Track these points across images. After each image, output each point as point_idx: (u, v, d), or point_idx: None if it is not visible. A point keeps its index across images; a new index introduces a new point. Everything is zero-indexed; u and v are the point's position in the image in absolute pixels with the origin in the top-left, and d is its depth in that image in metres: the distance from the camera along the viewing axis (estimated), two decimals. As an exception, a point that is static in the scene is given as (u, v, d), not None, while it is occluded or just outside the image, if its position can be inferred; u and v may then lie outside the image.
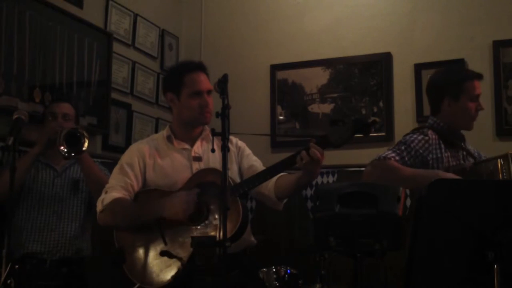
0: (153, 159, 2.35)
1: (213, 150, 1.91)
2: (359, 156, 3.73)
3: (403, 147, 2.38)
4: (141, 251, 2.22)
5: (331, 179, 3.75)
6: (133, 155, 2.36)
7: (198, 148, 2.37)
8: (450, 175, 2.22)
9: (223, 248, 1.70)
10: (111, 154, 3.46)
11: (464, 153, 2.48)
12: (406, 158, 2.35)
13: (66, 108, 2.77)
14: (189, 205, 2.12)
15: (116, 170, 2.36)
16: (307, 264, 3.01)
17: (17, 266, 1.97)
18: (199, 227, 2.15)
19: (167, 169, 2.32)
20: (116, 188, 2.28)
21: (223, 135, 1.83)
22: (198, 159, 2.35)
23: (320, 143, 2.04)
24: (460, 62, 3.60)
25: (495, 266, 1.56)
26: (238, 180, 2.31)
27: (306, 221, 3.77)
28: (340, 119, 2.01)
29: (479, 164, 2.33)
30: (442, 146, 2.41)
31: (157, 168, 2.33)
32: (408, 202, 2.22)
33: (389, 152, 2.37)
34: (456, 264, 1.66)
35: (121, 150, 3.65)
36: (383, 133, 3.77)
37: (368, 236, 1.71)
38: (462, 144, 2.51)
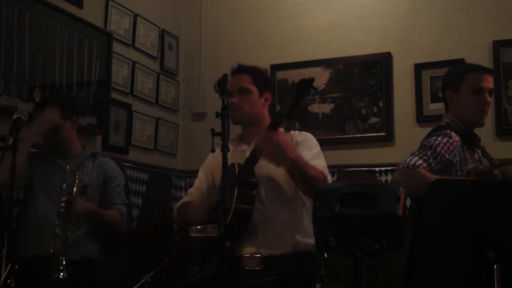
0: (218, 162, 2.43)
1: (213, 150, 1.92)
2: (359, 156, 3.74)
3: (429, 153, 2.28)
4: None
5: (331, 179, 3.74)
6: (206, 159, 2.61)
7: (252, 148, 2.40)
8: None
9: (223, 248, 1.70)
10: (111, 154, 3.45)
11: (480, 154, 2.46)
12: (433, 164, 2.26)
13: (45, 121, 2.67)
14: (210, 199, 2.26)
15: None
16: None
17: (17, 266, 1.96)
18: (199, 227, 2.18)
19: None
20: (188, 193, 2.59)
21: (223, 135, 1.83)
22: None
23: (273, 121, 2.14)
24: (460, 62, 3.58)
25: (495, 266, 1.56)
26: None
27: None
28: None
29: (496, 167, 2.31)
30: (465, 147, 2.37)
31: (219, 169, 2.44)
32: (408, 202, 2.22)
33: (416, 158, 2.26)
34: (456, 264, 1.66)
35: (121, 150, 3.68)
36: (383, 133, 3.77)
37: (368, 236, 1.70)
38: (476, 148, 2.47)
